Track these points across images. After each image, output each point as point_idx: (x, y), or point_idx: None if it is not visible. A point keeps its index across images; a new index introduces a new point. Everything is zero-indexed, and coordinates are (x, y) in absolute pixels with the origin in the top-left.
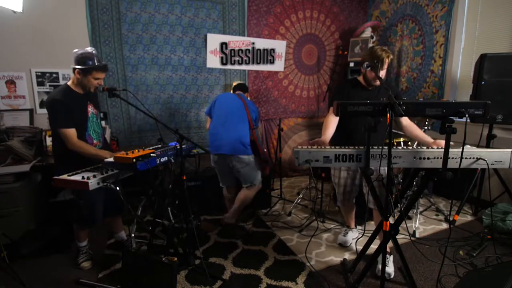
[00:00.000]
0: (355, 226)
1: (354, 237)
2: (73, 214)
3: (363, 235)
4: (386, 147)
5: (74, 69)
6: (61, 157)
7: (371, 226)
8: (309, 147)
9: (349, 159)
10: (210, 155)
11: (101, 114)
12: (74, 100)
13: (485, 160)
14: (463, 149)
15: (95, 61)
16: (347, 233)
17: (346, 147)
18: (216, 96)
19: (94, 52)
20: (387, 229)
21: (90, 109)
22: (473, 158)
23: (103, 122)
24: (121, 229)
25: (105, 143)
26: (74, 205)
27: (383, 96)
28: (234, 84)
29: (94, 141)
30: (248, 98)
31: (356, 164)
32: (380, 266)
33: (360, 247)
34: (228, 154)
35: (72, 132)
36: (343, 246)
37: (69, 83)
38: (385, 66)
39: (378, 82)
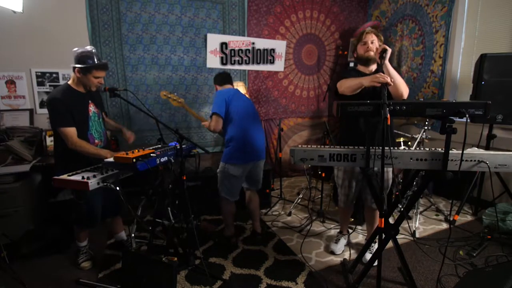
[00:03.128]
0: (348, 231)
1: (346, 244)
2: (72, 216)
3: (354, 230)
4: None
5: (74, 68)
6: (62, 157)
7: None
8: (306, 146)
9: (344, 159)
10: (231, 166)
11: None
12: (74, 99)
13: (487, 163)
14: (463, 150)
15: (95, 59)
16: (339, 240)
17: (342, 146)
18: (222, 92)
19: (93, 50)
20: (382, 226)
21: (92, 108)
22: (475, 160)
23: None
24: (121, 230)
25: (107, 142)
26: (73, 206)
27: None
28: (220, 76)
29: (96, 141)
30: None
31: (351, 164)
32: (367, 256)
33: (360, 247)
34: (263, 159)
35: (72, 131)
36: (334, 254)
37: (69, 82)
38: (366, 39)
39: (373, 67)
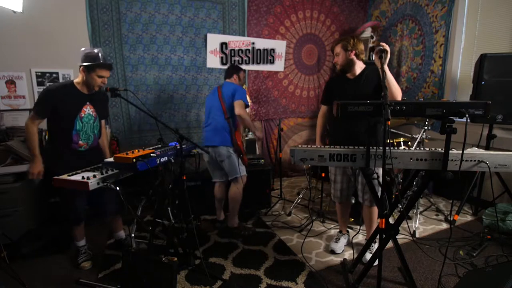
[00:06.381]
0: (347, 231)
1: (346, 243)
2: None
3: (358, 232)
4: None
5: (80, 66)
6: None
7: None
8: (306, 146)
9: (344, 159)
10: None
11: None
12: (68, 95)
13: (487, 163)
14: (463, 150)
15: (100, 60)
16: (339, 239)
17: (342, 146)
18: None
19: (100, 52)
20: (383, 227)
21: (87, 109)
22: (475, 160)
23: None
24: (120, 229)
25: (94, 146)
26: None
27: (366, 83)
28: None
29: (80, 142)
30: (234, 82)
31: (351, 164)
32: (367, 256)
33: (360, 247)
34: (209, 145)
35: (34, 118)
36: (334, 253)
37: (75, 80)
38: (335, 53)
39: (356, 71)
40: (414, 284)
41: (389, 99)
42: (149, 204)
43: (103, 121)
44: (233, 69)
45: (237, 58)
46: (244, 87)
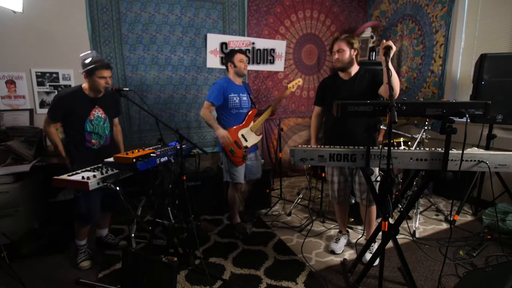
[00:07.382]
0: (347, 231)
1: (346, 243)
2: (73, 212)
3: (362, 235)
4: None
5: (83, 73)
6: (68, 147)
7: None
8: (306, 146)
9: (344, 159)
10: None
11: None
12: (77, 100)
13: (487, 163)
14: (463, 150)
15: (97, 62)
16: (339, 239)
17: (342, 146)
18: None
19: (94, 54)
20: (386, 229)
21: (96, 112)
22: (475, 160)
23: None
24: (105, 227)
25: (108, 144)
26: (74, 202)
27: (361, 83)
28: None
29: (93, 141)
30: (230, 73)
31: (351, 164)
32: (367, 256)
33: (360, 247)
34: None
35: (48, 122)
36: (334, 253)
37: (83, 85)
38: (338, 49)
39: (352, 72)
40: (414, 284)
41: (386, 97)
42: (149, 204)
43: (115, 120)
44: (225, 60)
45: None
46: (243, 67)
